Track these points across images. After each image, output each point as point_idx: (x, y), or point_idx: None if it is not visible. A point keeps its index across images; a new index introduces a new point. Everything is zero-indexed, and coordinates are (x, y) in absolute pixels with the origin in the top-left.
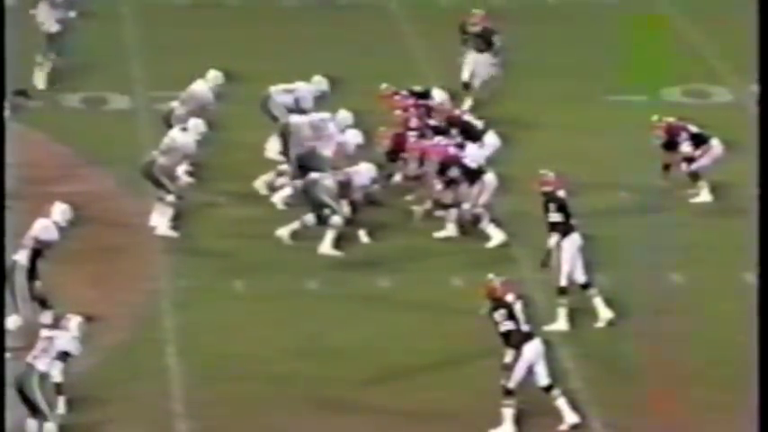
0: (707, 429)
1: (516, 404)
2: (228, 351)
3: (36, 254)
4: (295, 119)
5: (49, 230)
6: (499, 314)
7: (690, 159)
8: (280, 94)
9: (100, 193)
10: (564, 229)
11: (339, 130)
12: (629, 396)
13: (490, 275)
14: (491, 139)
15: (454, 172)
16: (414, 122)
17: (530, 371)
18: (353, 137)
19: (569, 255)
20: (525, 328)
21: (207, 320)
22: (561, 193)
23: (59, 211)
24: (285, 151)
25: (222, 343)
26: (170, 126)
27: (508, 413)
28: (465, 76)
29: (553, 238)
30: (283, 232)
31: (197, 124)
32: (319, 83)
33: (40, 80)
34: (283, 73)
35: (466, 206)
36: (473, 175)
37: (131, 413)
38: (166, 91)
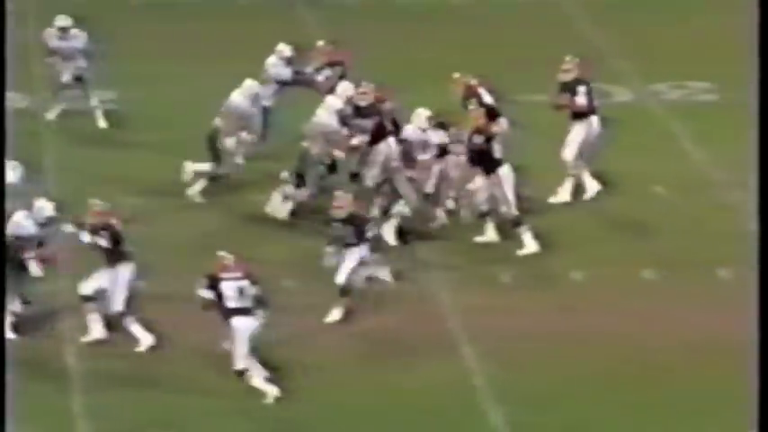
0: (610, 427)
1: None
2: (129, 351)
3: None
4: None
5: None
6: (200, 283)
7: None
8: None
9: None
10: (117, 258)
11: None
12: (533, 393)
13: (221, 252)
14: None
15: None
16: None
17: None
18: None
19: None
20: (233, 304)
21: None
22: (114, 222)
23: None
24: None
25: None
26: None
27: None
28: (568, 154)
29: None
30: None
31: (251, 86)
32: (251, 87)
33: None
34: (189, 73)
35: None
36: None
37: (31, 413)
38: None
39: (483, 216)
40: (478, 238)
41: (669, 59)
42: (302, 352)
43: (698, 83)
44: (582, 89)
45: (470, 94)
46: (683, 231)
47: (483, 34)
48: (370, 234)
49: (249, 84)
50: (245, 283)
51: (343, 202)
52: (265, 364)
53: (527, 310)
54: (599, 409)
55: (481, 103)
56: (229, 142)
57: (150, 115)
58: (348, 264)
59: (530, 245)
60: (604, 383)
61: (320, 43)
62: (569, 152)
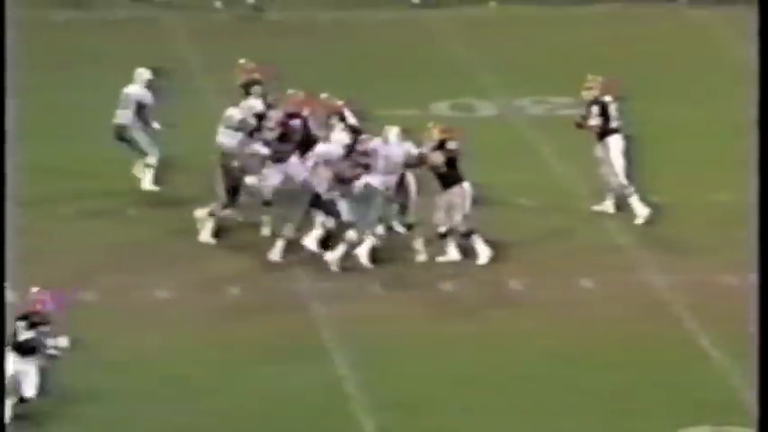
0: (477, 431)
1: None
2: None
3: None
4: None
5: None
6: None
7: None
8: (124, 115)
9: None
10: None
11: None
12: (404, 400)
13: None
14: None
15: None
16: None
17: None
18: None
19: None
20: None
21: None
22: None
23: None
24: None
25: None
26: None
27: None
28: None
29: None
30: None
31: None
32: (142, 74)
33: None
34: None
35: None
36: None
37: None
38: None
39: (443, 237)
40: (440, 258)
41: (532, 75)
42: (175, 362)
43: (559, 98)
44: (595, 109)
45: (334, 112)
46: (547, 242)
47: (353, 49)
48: (50, 345)
49: (140, 71)
50: None
51: (38, 300)
52: (144, 375)
53: (397, 319)
54: (468, 413)
55: (344, 123)
56: (138, 134)
57: (20, 127)
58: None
59: (483, 253)
60: (472, 389)
61: (241, 61)
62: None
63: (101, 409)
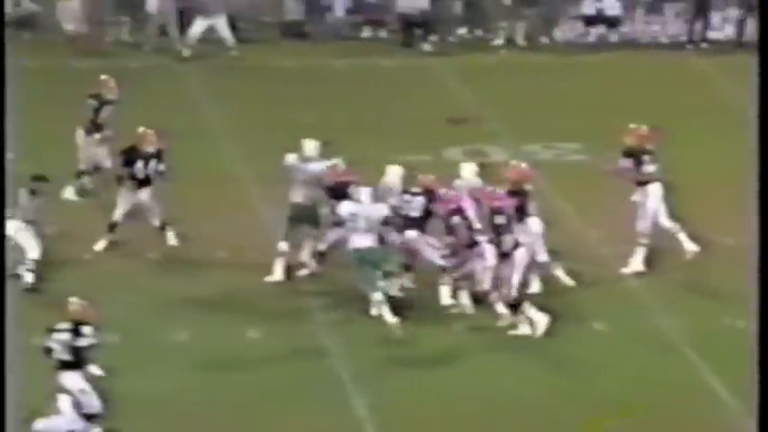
0: None
1: None
2: None
3: None
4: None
5: None
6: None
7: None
8: None
9: None
10: None
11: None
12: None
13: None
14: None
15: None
16: None
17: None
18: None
19: None
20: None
21: None
22: None
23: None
24: None
25: None
26: None
27: None
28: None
29: None
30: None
31: None
32: None
33: None
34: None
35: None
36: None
37: None
38: None
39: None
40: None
41: (541, 122)
42: (189, 403)
43: (568, 144)
44: (627, 162)
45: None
46: (558, 285)
47: (366, 96)
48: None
49: None
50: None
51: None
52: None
53: (415, 362)
54: None
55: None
56: None
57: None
58: None
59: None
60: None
61: (103, 77)
62: (640, 223)
63: None
